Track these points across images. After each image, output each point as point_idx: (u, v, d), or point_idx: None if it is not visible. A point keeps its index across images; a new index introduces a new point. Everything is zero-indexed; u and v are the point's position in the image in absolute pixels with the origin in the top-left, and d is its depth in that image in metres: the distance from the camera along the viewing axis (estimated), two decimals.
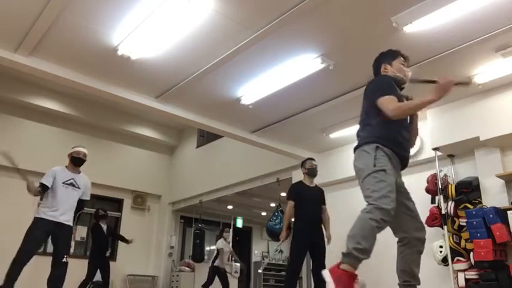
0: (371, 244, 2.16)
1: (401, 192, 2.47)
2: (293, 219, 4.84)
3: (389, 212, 2.22)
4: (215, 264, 7.29)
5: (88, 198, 4.36)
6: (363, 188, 2.37)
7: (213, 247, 7.83)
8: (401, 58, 2.68)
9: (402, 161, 2.49)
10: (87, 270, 6.31)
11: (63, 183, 4.11)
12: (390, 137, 2.44)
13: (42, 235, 3.96)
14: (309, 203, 4.72)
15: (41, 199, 4.10)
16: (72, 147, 4.37)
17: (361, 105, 2.68)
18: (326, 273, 2.12)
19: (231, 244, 8.12)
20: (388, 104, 2.41)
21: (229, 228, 8.11)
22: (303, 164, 4.99)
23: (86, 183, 4.31)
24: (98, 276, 6.52)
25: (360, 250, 2.12)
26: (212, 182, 8.44)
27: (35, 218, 3.99)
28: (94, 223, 6.88)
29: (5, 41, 3.97)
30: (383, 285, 3.27)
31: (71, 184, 4.15)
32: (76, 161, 4.29)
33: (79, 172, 4.30)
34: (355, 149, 2.56)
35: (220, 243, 7.50)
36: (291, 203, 4.71)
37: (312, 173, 4.88)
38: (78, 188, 4.20)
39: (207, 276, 7.36)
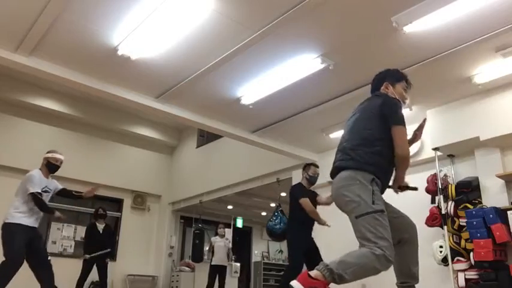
0: (354, 280, 2.07)
1: (388, 207, 2.40)
2: (287, 221, 4.82)
3: (392, 264, 2.13)
4: (213, 263, 7.26)
5: (61, 187, 4.33)
6: (359, 225, 2.16)
7: None
8: (405, 83, 2.59)
9: (383, 190, 2.38)
10: (82, 268, 6.31)
11: (41, 190, 4.05)
12: (387, 169, 2.35)
13: (24, 241, 3.86)
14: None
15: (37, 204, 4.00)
16: (50, 152, 4.23)
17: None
18: (296, 284, 2.01)
19: (230, 241, 8.06)
20: (405, 139, 2.32)
21: (223, 225, 8.05)
22: (306, 167, 4.81)
23: (55, 186, 4.27)
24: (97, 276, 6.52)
25: (342, 278, 2.03)
26: (212, 182, 8.44)
27: (13, 224, 3.85)
28: (90, 222, 6.87)
29: (5, 41, 3.97)
30: (382, 285, 3.26)
31: (46, 191, 4.11)
32: (52, 168, 4.19)
33: (49, 177, 4.22)
34: (348, 168, 2.30)
35: (212, 239, 7.48)
36: (306, 200, 4.51)
37: (313, 180, 4.76)
38: (49, 192, 4.16)
39: (207, 276, 7.32)
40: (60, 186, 4.31)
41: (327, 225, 4.51)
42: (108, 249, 6.53)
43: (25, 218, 3.91)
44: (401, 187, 2.49)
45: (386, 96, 2.48)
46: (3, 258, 3.74)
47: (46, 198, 4.12)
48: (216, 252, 7.31)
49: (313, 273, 2.06)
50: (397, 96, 2.51)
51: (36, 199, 3.93)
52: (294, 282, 2.04)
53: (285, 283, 4.57)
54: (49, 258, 4.02)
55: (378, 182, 2.27)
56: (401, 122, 2.33)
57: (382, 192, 2.36)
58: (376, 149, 2.30)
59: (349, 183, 2.26)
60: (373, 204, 2.16)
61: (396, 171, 2.42)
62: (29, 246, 3.89)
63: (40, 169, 4.15)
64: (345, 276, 2.03)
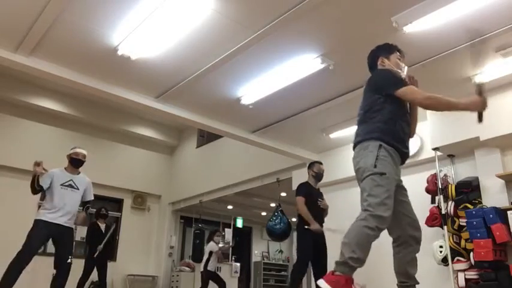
0: (365, 253, 2.15)
1: (399, 190, 2.45)
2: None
3: (385, 219, 2.20)
4: (208, 268, 7.23)
5: (90, 198, 4.35)
6: (361, 188, 2.34)
7: None
8: (398, 53, 2.67)
9: (402, 157, 2.46)
10: (83, 268, 6.28)
11: (61, 184, 4.10)
12: (394, 133, 2.40)
13: (42, 237, 3.95)
14: (315, 204, 4.77)
15: (41, 199, 4.09)
16: (72, 148, 4.36)
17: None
18: (322, 283, 2.09)
19: (230, 241, 8.03)
20: (416, 92, 2.39)
21: (221, 232, 8.02)
22: (311, 165, 5.01)
23: (86, 183, 4.30)
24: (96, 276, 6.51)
25: (354, 259, 2.10)
26: (212, 182, 8.44)
27: (35, 220, 3.99)
28: (92, 222, 6.84)
29: (5, 41, 3.97)
30: (383, 285, 3.27)
31: (70, 185, 4.14)
32: (75, 162, 4.29)
33: (78, 173, 4.30)
34: (356, 144, 2.48)
35: (213, 245, 7.45)
36: (302, 199, 4.69)
37: (319, 177, 4.94)
38: (77, 189, 4.19)
39: (200, 280, 7.31)
40: (90, 197, 4.33)
41: (319, 231, 4.63)
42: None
43: (48, 213, 3.98)
44: (479, 114, 2.43)
45: (376, 71, 2.62)
46: (11, 256, 3.77)
47: (72, 194, 4.15)
48: (213, 258, 7.33)
49: (337, 273, 2.13)
50: (394, 67, 2.60)
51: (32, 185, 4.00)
52: (320, 281, 2.11)
53: (293, 276, 4.65)
54: (69, 260, 4.01)
55: (388, 147, 2.34)
56: (400, 84, 2.43)
57: (403, 159, 2.45)
58: (376, 119, 2.43)
59: (358, 153, 2.42)
60: (374, 167, 2.28)
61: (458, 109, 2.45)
62: (56, 243, 4.01)
63: (65, 168, 4.26)
64: (355, 256, 2.11)
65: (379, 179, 2.25)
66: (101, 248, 6.38)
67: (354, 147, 2.50)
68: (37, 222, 3.96)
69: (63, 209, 4.05)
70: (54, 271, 4.07)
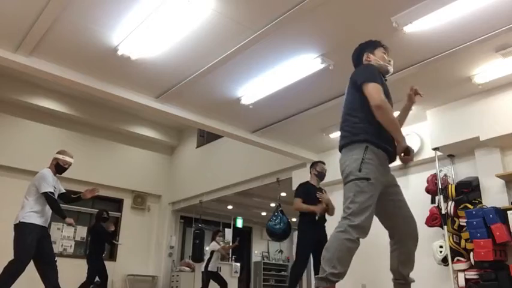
0: (347, 266, 2.13)
1: (393, 189, 2.40)
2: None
3: (365, 229, 2.17)
4: (209, 269, 7.24)
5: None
6: (344, 192, 2.27)
7: None
8: (382, 48, 2.66)
9: (390, 157, 2.39)
10: (88, 272, 6.19)
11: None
12: (380, 133, 2.32)
13: (36, 242, 3.87)
14: (314, 203, 4.74)
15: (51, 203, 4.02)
16: (60, 153, 4.27)
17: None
18: None
19: (230, 242, 8.04)
20: (375, 91, 2.31)
21: (223, 232, 8.05)
22: (313, 165, 5.00)
23: (59, 188, 4.29)
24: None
25: (335, 275, 2.09)
26: (212, 182, 8.44)
27: (28, 224, 3.86)
28: (96, 224, 6.73)
29: (5, 41, 3.97)
30: (383, 285, 3.27)
31: (55, 191, 4.14)
32: (61, 170, 4.23)
33: (56, 177, 4.26)
34: (343, 146, 2.40)
35: (215, 245, 7.46)
36: (299, 200, 4.66)
37: (321, 176, 4.92)
38: (56, 193, 4.19)
39: (201, 280, 7.33)
40: (62, 190, 4.32)
41: (317, 215, 4.59)
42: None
43: (38, 217, 3.94)
44: (403, 158, 2.35)
45: (359, 67, 2.58)
46: (9, 258, 3.76)
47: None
48: (215, 258, 7.34)
49: (318, 286, 2.12)
50: (381, 61, 2.57)
51: (50, 199, 3.96)
52: None
53: (290, 276, 4.64)
54: (55, 259, 4.03)
55: (375, 149, 2.28)
56: (368, 79, 2.36)
57: (391, 159, 2.39)
58: (359, 118, 2.36)
59: (344, 155, 2.36)
60: (359, 172, 2.22)
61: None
62: (38, 246, 3.89)
63: (49, 168, 4.18)
64: (336, 271, 2.08)
65: (364, 185, 2.19)
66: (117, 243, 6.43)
67: (340, 149, 2.44)
68: (29, 226, 3.84)
69: (49, 213, 4.07)
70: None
